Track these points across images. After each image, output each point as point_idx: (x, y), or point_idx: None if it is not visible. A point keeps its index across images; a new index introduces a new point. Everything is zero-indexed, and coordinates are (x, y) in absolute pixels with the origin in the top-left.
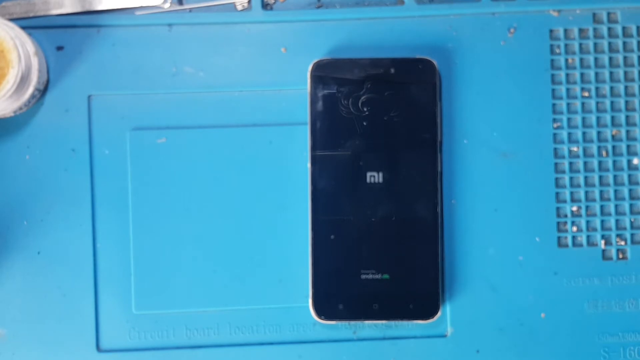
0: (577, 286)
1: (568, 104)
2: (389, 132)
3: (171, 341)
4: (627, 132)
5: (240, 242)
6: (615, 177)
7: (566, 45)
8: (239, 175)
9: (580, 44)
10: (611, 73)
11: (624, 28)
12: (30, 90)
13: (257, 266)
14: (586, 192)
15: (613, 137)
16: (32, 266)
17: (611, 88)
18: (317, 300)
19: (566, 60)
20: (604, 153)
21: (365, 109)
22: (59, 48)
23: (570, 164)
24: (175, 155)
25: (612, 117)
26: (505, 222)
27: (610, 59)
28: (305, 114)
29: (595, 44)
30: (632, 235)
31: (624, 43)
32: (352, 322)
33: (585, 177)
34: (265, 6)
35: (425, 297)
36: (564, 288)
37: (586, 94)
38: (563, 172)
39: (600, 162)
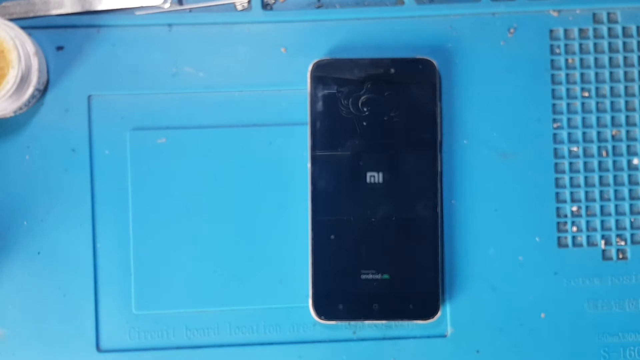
0: (577, 286)
1: (568, 104)
2: (389, 132)
3: (171, 341)
4: (627, 132)
5: (241, 242)
6: (615, 177)
7: (566, 45)
8: (239, 176)
9: (580, 44)
10: (611, 73)
11: (624, 28)
12: (30, 90)
13: (257, 266)
14: (586, 192)
15: (613, 137)
16: (32, 266)
17: (611, 88)
18: (317, 300)
19: (566, 60)
20: (604, 153)
21: (365, 109)
22: (59, 48)
23: (570, 164)
24: (175, 155)
25: (612, 117)
26: (505, 222)
27: (610, 59)
28: (305, 114)
29: (595, 44)
30: (632, 235)
31: (624, 43)
32: (352, 322)
33: (585, 177)
34: (265, 6)
35: (425, 297)
36: (564, 288)
37: (586, 94)
38: (563, 172)
39: (600, 162)
